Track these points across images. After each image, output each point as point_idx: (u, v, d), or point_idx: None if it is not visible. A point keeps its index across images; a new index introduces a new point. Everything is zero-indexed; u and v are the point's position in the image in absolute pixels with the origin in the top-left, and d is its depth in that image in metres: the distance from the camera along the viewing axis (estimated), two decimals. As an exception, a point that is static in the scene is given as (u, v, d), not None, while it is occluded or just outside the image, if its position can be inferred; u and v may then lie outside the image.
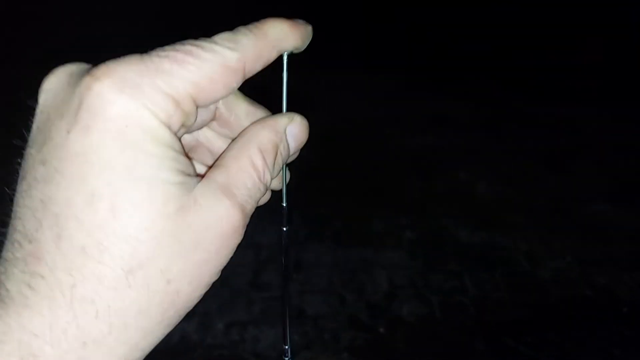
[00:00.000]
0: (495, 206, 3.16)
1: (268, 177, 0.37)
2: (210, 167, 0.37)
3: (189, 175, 0.33)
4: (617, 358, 1.68)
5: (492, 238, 2.86)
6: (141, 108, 0.31)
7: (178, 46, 0.33)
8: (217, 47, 0.34)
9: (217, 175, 0.35)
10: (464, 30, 6.30)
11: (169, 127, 0.32)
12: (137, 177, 0.31)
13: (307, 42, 0.39)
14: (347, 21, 6.73)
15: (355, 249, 2.75)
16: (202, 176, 0.35)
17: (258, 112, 0.41)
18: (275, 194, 0.45)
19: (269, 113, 0.41)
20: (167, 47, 0.33)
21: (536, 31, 5.29)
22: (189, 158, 0.35)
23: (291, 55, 0.39)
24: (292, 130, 0.40)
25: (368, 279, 2.54)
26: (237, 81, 0.35)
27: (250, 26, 0.36)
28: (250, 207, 0.36)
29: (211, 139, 0.41)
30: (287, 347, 0.43)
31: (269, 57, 0.37)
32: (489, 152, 3.80)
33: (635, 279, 2.58)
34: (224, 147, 0.39)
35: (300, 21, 0.39)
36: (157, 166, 0.32)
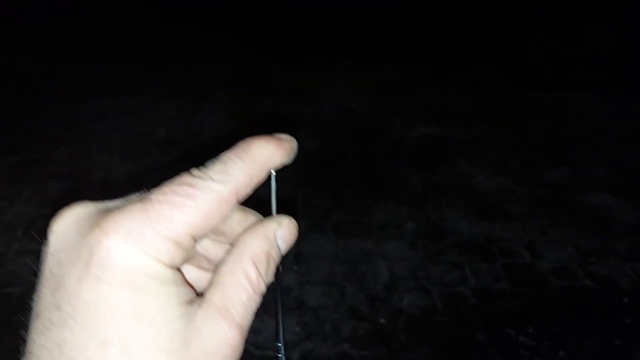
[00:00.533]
0: (496, 197, 3.15)
1: (262, 285, 0.40)
2: (213, 268, 0.41)
3: (190, 302, 0.37)
4: (618, 348, 1.68)
5: (492, 229, 2.86)
6: (145, 256, 0.35)
7: (176, 187, 0.36)
8: (211, 184, 0.37)
9: (215, 296, 0.38)
10: (467, 21, 6.27)
11: (172, 266, 0.36)
12: (144, 320, 0.34)
13: (293, 156, 0.41)
14: (349, 12, 6.69)
15: (355, 240, 2.75)
16: (202, 293, 0.39)
17: (249, 217, 0.43)
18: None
19: (260, 217, 0.43)
20: (166, 189, 0.36)
21: (540, 21, 5.26)
22: (190, 284, 0.38)
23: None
24: (282, 234, 0.42)
25: (369, 270, 2.54)
26: (232, 208, 0.38)
27: (238, 151, 0.39)
28: (247, 322, 0.38)
29: (207, 247, 0.43)
30: (280, 344, 0.43)
31: (259, 179, 0.39)
32: (491, 143, 3.79)
33: (636, 269, 2.58)
34: (220, 252, 0.42)
35: (284, 137, 0.41)
36: (161, 305, 0.35)
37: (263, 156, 0.39)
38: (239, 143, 0.39)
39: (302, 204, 3.02)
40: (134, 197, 0.38)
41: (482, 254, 2.66)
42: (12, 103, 4.19)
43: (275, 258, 0.42)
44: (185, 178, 0.37)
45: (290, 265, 2.55)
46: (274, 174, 0.41)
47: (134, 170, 3.31)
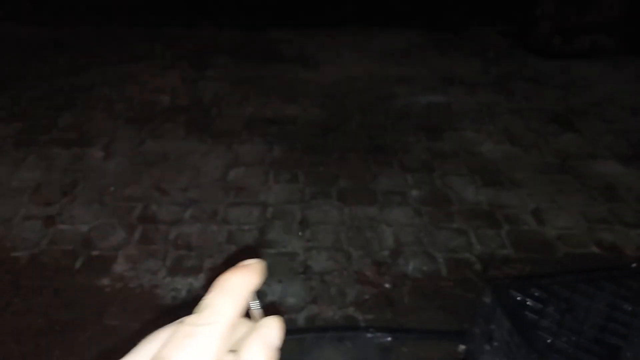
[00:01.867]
0: (503, 164, 3.13)
1: None
2: None
3: None
4: (626, 312, 1.68)
5: (498, 196, 2.85)
6: None
7: (179, 341, 0.39)
8: (209, 329, 0.40)
9: None
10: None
11: None
12: None
13: (265, 275, 0.45)
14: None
15: (361, 207, 2.74)
16: None
17: (245, 324, 0.46)
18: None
19: (252, 323, 0.46)
20: (170, 345, 0.39)
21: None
22: None
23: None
24: (275, 336, 0.45)
25: (374, 236, 2.54)
26: (230, 342, 0.42)
27: (219, 290, 0.42)
28: None
29: None
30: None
31: (244, 306, 0.42)
32: (497, 111, 3.75)
33: (643, 236, 2.58)
34: None
35: (252, 262, 0.45)
36: None
37: (241, 286, 0.43)
38: (215, 282, 0.42)
39: (307, 170, 3.01)
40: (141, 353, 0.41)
41: (487, 221, 2.66)
42: (16, 71, 4.16)
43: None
44: (183, 329, 0.39)
45: (295, 231, 2.55)
46: (255, 301, 0.45)
47: (139, 136, 3.30)
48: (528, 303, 1.69)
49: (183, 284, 2.22)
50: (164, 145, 3.21)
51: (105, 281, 2.22)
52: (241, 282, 0.43)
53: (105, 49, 4.64)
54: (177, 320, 0.41)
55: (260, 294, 0.44)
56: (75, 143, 3.19)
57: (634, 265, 1.92)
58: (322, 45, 4.95)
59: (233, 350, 0.44)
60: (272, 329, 0.46)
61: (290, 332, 2.02)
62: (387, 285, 2.25)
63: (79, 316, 2.05)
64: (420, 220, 2.66)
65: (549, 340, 1.58)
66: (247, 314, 0.44)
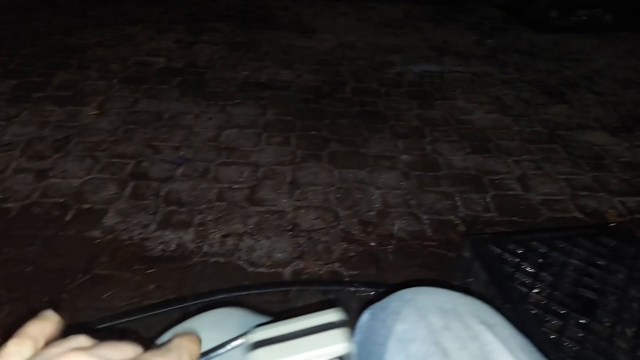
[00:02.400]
0: (492, 133, 3.17)
1: None
2: None
3: None
4: (601, 267, 1.73)
5: (486, 163, 2.89)
6: None
7: None
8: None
9: None
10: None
11: None
12: None
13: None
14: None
15: (350, 170, 2.78)
16: None
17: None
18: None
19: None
20: None
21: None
22: None
23: None
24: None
25: (362, 198, 2.58)
26: None
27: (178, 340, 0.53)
28: None
29: None
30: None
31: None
32: (489, 81, 3.78)
33: (626, 203, 2.63)
34: None
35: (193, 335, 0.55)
36: None
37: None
38: (172, 339, 0.52)
39: (299, 134, 3.04)
40: None
41: (473, 186, 2.70)
42: (12, 30, 4.15)
43: None
44: None
45: (285, 191, 2.59)
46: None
47: (133, 95, 3.32)
48: (506, 257, 1.74)
49: (172, 238, 2.27)
50: (158, 106, 3.23)
51: (95, 233, 2.26)
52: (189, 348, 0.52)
53: (101, 11, 4.63)
54: None
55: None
56: (69, 101, 3.20)
57: (612, 224, 1.97)
58: (319, 13, 4.94)
59: None
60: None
61: (277, 284, 2.07)
62: (372, 244, 2.30)
63: (68, 265, 2.10)
64: (408, 183, 2.70)
65: (524, 292, 1.63)
66: None
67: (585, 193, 2.69)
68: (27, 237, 2.22)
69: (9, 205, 2.38)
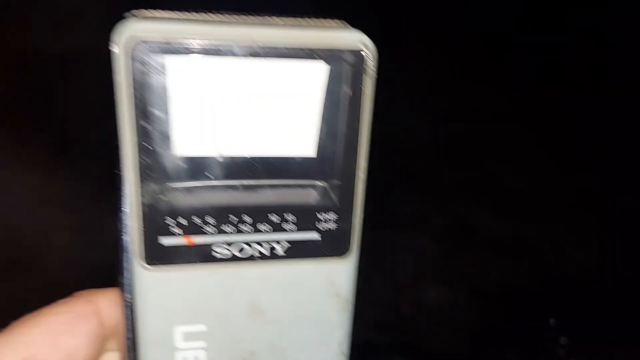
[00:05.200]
0: (525, 197, 3.16)
1: None
2: None
3: None
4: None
5: (519, 228, 2.88)
6: None
7: None
8: None
9: None
10: (501, 19, 6.22)
11: None
12: None
13: None
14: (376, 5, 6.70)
15: (381, 231, 2.79)
16: None
17: None
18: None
19: None
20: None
21: (578, 25, 5.20)
22: None
23: None
24: None
25: (394, 261, 2.59)
26: None
27: None
28: None
29: None
30: None
31: None
32: (521, 143, 3.79)
33: (663, 274, 2.59)
34: None
35: None
36: None
37: None
38: None
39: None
40: None
41: (506, 252, 2.69)
42: None
43: None
44: None
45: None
46: None
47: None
48: (542, 330, 1.73)
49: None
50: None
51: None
52: None
53: None
54: None
55: None
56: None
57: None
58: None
59: None
60: None
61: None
62: (404, 311, 2.29)
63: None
64: (440, 248, 2.70)
65: None
66: None
67: (620, 262, 2.66)
68: None
69: None
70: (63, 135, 2.71)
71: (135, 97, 0.37)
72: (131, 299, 0.43)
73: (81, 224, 2.46)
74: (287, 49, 0.39)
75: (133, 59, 0.36)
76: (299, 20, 0.42)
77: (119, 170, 0.40)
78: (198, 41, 0.36)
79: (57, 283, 2.20)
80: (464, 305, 2.32)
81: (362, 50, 0.41)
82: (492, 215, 2.97)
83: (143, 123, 0.38)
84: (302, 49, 0.39)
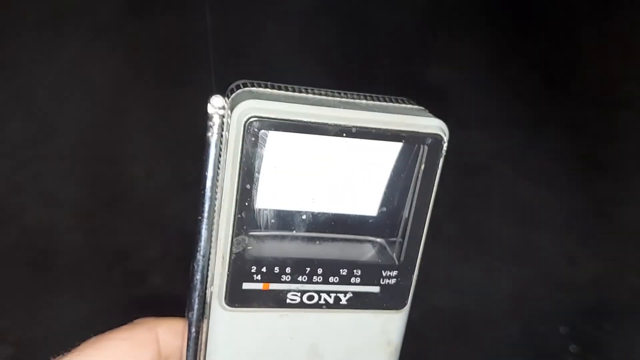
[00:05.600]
0: (537, 206, 3.14)
1: None
2: None
3: None
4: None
5: (531, 237, 2.86)
6: None
7: None
8: None
9: None
10: (512, 29, 6.22)
11: None
12: None
13: None
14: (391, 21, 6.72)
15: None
16: None
17: None
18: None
19: None
20: None
21: (590, 34, 5.19)
22: None
23: None
24: None
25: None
26: None
27: None
28: None
29: None
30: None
31: None
32: (533, 152, 3.77)
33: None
34: None
35: None
36: None
37: None
38: None
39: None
40: None
41: (518, 261, 2.67)
42: None
43: None
44: None
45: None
46: None
47: None
48: (552, 338, 1.71)
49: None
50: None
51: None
52: None
53: None
54: None
55: None
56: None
57: None
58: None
59: None
60: None
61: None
62: (414, 317, 2.28)
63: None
64: (450, 255, 2.68)
65: None
66: None
67: (633, 272, 2.63)
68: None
69: None
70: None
71: (241, 162, 0.41)
72: (196, 332, 0.46)
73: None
74: (376, 130, 0.45)
75: (246, 131, 0.40)
76: (384, 102, 0.49)
77: (202, 217, 0.44)
78: (300, 119, 0.41)
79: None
80: (474, 313, 2.30)
81: (441, 136, 0.49)
82: (503, 222, 2.96)
83: (246, 185, 0.42)
84: (389, 132, 0.46)
